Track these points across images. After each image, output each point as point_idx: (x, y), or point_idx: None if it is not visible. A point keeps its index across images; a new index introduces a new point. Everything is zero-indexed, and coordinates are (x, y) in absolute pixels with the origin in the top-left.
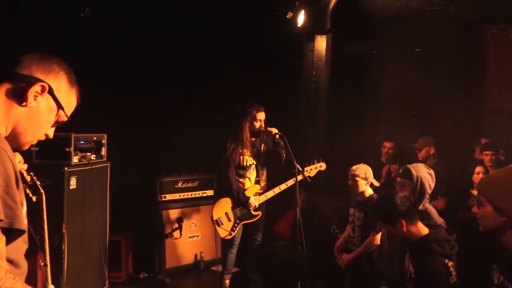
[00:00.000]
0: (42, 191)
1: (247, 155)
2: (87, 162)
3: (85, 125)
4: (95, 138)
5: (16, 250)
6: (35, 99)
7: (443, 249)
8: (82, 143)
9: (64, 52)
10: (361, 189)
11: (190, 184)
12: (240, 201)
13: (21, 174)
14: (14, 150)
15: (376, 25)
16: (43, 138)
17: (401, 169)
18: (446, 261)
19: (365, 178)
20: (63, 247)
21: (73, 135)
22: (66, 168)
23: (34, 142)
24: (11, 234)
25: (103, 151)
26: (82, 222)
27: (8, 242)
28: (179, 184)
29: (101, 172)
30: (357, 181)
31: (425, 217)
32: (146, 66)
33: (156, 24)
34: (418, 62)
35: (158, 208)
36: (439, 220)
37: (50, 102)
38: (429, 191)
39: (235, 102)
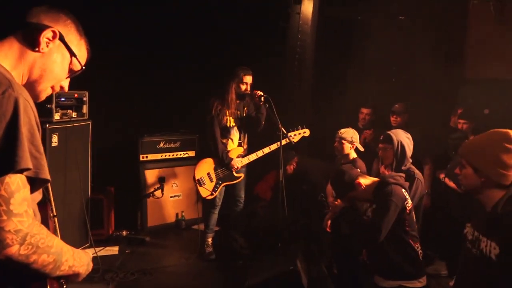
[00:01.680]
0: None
1: (231, 116)
2: (68, 119)
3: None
4: (76, 95)
5: (34, 200)
6: (47, 46)
7: (398, 181)
8: (63, 100)
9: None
10: (346, 151)
11: (172, 145)
12: (223, 162)
13: None
14: None
15: None
16: (58, 88)
17: (381, 136)
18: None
19: (351, 141)
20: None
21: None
22: (47, 125)
23: (49, 91)
24: (35, 184)
25: (85, 109)
26: (64, 180)
27: (33, 191)
28: (161, 145)
29: (82, 130)
30: (343, 143)
31: (409, 176)
32: (132, 26)
33: None
34: (402, 30)
35: (140, 167)
36: (419, 175)
37: (62, 49)
38: (409, 153)
39: (221, 64)
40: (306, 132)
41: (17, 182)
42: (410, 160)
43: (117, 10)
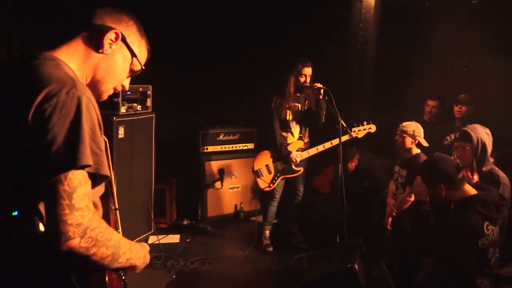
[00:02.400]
0: (106, 139)
1: (290, 110)
2: (133, 112)
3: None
4: (141, 89)
5: (96, 194)
6: (110, 47)
7: (487, 211)
8: (129, 94)
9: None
10: (407, 146)
11: (231, 137)
12: (281, 155)
13: None
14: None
15: None
16: (120, 88)
17: (457, 133)
18: (487, 223)
19: (412, 135)
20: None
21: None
22: (114, 118)
23: (111, 91)
24: (96, 180)
25: (149, 102)
26: (130, 170)
27: (94, 186)
28: (221, 137)
29: (146, 123)
30: (404, 137)
31: (489, 179)
32: (193, 21)
33: None
34: (474, 16)
35: (200, 159)
36: (505, 179)
37: (124, 50)
38: (490, 152)
39: (281, 55)
40: (372, 128)
41: (79, 178)
42: (492, 160)
43: (178, 7)
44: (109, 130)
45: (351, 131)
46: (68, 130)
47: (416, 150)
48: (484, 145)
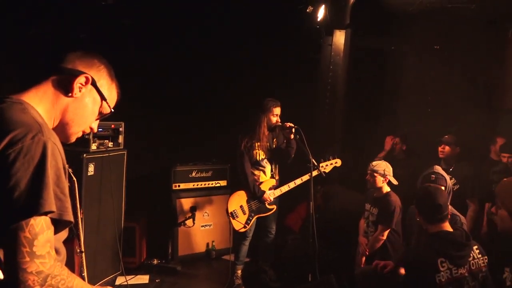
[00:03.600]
0: (74, 178)
1: (260, 149)
2: (104, 149)
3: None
4: (113, 126)
5: (58, 239)
6: (80, 91)
7: (445, 249)
8: (101, 131)
9: (84, 39)
10: (378, 185)
11: (204, 174)
12: (255, 195)
13: None
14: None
15: (396, 20)
16: (88, 130)
17: (432, 176)
18: (442, 259)
19: (383, 175)
20: (79, 232)
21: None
22: (84, 154)
23: (80, 134)
24: (59, 225)
25: (121, 139)
26: (99, 208)
27: (56, 231)
28: (193, 174)
29: (118, 160)
30: (375, 176)
31: (452, 220)
32: (165, 57)
33: (176, 15)
34: (437, 60)
35: (172, 196)
36: (463, 219)
37: (93, 94)
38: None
39: (251, 95)
40: (338, 162)
41: (41, 224)
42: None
43: (152, 45)
44: (78, 167)
45: (319, 167)
46: (31, 176)
47: (386, 189)
48: (451, 189)
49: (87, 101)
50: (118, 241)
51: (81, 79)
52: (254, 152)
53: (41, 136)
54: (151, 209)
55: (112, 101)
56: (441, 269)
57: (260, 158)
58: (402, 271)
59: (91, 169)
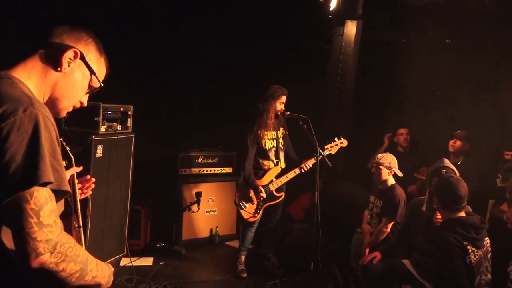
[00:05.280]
0: (71, 156)
1: (268, 138)
2: (113, 132)
3: (113, 96)
4: (122, 109)
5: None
6: (69, 65)
7: (467, 232)
8: (110, 113)
9: (96, 25)
10: (383, 178)
11: (210, 160)
12: (249, 184)
13: None
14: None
15: (408, 13)
16: (78, 105)
17: (443, 170)
18: (465, 243)
19: (389, 167)
20: (88, 212)
21: (101, 105)
22: (93, 136)
23: (70, 108)
24: (57, 196)
25: (129, 122)
26: (106, 190)
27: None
28: (200, 160)
29: (126, 143)
30: (380, 169)
31: None
32: (175, 43)
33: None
34: (448, 54)
35: (178, 181)
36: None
37: (82, 68)
38: None
39: (260, 83)
40: (344, 142)
41: (44, 195)
42: None
43: (162, 30)
44: (87, 148)
45: (325, 149)
46: (27, 149)
47: (391, 181)
48: None
49: (77, 75)
50: (123, 223)
51: (69, 54)
52: (263, 140)
53: (33, 109)
54: (157, 193)
55: (101, 75)
56: (470, 251)
57: (268, 147)
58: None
59: (99, 151)
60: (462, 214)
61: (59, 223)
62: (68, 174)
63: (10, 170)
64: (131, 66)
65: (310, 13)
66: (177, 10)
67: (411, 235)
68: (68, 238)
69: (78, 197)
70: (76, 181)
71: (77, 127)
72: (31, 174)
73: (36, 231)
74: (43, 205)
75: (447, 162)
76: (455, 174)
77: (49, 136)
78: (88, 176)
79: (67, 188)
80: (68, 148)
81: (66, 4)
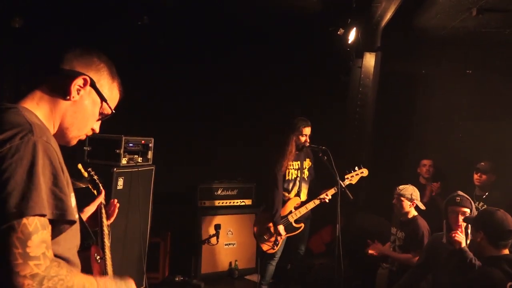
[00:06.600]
0: (102, 189)
1: (292, 168)
2: (134, 164)
3: (133, 129)
4: (143, 141)
5: (69, 248)
6: (78, 93)
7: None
8: (131, 146)
9: (120, 58)
10: (405, 210)
11: (229, 192)
12: (273, 220)
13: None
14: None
15: (427, 44)
16: (90, 133)
17: (457, 198)
18: (510, 284)
19: (410, 199)
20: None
21: (123, 138)
22: (115, 169)
23: (82, 137)
24: (62, 226)
25: (150, 155)
26: (125, 222)
27: (59, 233)
28: (219, 192)
29: (146, 175)
30: (402, 201)
31: None
32: (195, 75)
33: (208, 34)
34: (469, 85)
35: (197, 213)
36: None
37: (93, 95)
38: None
39: (281, 116)
40: (364, 172)
41: (35, 224)
42: None
43: (184, 61)
44: (108, 181)
45: (345, 179)
46: (19, 177)
47: (413, 213)
48: None
49: (87, 103)
50: (143, 256)
51: (79, 81)
52: (287, 171)
53: (31, 136)
54: (176, 226)
55: (113, 101)
56: None
57: (292, 178)
58: None
59: (120, 183)
60: (506, 251)
61: (50, 255)
62: (95, 203)
63: (0, 199)
64: (152, 99)
65: (329, 46)
66: (198, 42)
67: (432, 273)
68: (59, 270)
69: (106, 230)
70: (103, 210)
71: (99, 160)
72: (21, 205)
73: (20, 264)
74: (32, 234)
75: (460, 192)
76: (470, 203)
77: (49, 163)
78: (115, 201)
79: (72, 217)
80: (96, 177)
81: (85, 36)
